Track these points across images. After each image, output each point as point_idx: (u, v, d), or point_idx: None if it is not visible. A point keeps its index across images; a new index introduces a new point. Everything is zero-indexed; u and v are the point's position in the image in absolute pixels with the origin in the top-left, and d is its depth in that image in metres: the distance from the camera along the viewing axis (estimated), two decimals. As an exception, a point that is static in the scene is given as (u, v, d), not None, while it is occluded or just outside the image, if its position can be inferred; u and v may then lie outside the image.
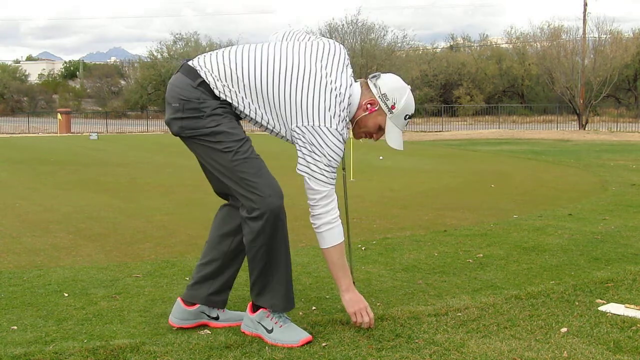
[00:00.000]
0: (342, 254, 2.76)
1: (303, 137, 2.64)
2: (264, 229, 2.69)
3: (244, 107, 2.71)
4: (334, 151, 2.65)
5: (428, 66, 44.10)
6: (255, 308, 2.85)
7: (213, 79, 2.69)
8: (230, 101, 2.71)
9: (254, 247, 2.74)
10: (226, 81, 2.69)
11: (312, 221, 2.74)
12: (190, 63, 2.76)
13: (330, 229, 2.71)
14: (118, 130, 33.25)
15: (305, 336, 2.73)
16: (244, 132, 2.79)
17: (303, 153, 2.66)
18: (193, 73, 2.71)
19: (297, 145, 2.68)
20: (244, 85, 2.69)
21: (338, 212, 2.74)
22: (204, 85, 2.69)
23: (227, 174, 2.72)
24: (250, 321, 2.83)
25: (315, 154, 2.64)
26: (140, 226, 5.64)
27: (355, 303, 2.82)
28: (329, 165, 2.66)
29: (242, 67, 2.70)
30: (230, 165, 2.70)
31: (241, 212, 2.75)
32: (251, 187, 2.68)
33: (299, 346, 2.68)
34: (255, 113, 2.72)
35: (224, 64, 2.71)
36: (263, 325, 2.78)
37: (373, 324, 2.84)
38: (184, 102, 2.69)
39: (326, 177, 2.68)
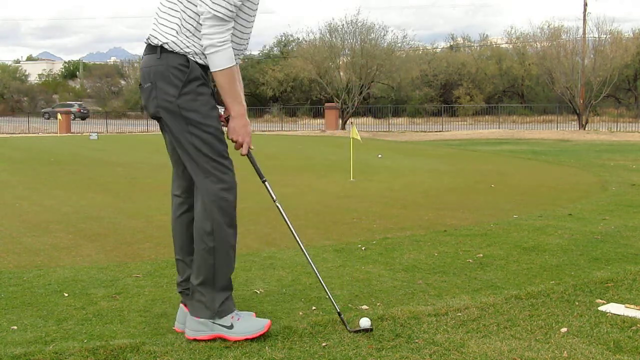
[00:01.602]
0: (233, 79, 2.70)
1: None
2: (220, 223, 2.73)
3: (189, 36, 2.68)
4: None
5: (428, 66, 44.10)
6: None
7: (162, 33, 2.70)
8: (185, 48, 2.67)
9: (207, 244, 2.74)
10: (165, 19, 2.70)
11: (201, 42, 2.66)
12: (146, 41, 2.79)
13: (216, 52, 2.63)
14: (118, 130, 33.28)
15: (266, 321, 2.78)
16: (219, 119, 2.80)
17: None
18: (150, 47, 2.75)
19: None
20: None
21: (228, 40, 2.66)
22: (165, 50, 2.68)
23: (194, 155, 2.72)
24: (201, 324, 2.75)
25: None
26: (140, 226, 5.64)
27: (238, 134, 2.78)
28: None
29: None
30: (196, 146, 2.70)
31: (198, 204, 2.75)
32: (214, 176, 2.72)
33: (265, 332, 2.73)
34: (193, 35, 2.68)
35: (158, 9, 2.76)
36: (220, 325, 2.75)
37: (244, 153, 2.83)
38: (156, 79, 2.69)
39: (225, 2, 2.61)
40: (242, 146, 2.81)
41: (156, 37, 2.72)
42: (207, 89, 2.75)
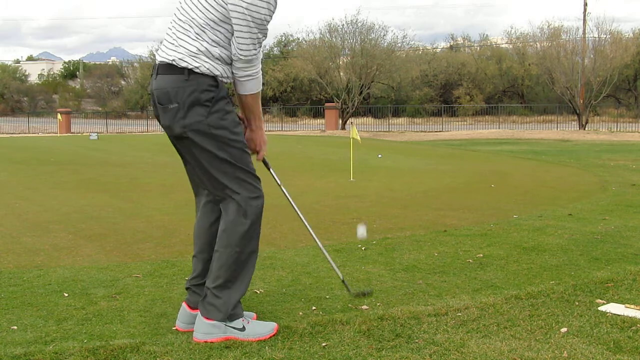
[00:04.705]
0: (258, 100, 2.93)
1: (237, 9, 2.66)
2: (253, 226, 2.82)
3: (218, 58, 2.73)
4: (263, 12, 2.68)
5: (428, 66, 44.07)
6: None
7: (193, 57, 2.71)
8: (212, 70, 2.72)
9: (234, 248, 2.79)
10: (187, 42, 2.71)
11: (235, 72, 2.81)
12: (162, 60, 2.76)
13: (250, 80, 2.82)
14: (118, 130, 33.29)
15: (273, 324, 2.86)
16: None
17: (239, 26, 2.68)
18: (170, 67, 2.73)
19: (234, 25, 2.69)
20: (198, 23, 2.70)
21: (260, 69, 2.86)
22: (193, 72, 2.70)
23: (226, 168, 2.78)
24: (214, 327, 2.79)
25: (248, 20, 2.67)
26: (140, 226, 5.64)
27: (256, 144, 3.01)
28: (258, 33, 2.72)
29: (181, 11, 2.76)
30: (225, 159, 2.77)
31: (229, 212, 2.81)
32: (249, 184, 2.82)
33: (274, 334, 2.79)
34: (222, 59, 2.75)
35: (173, 32, 2.76)
36: (233, 327, 2.79)
37: (259, 159, 3.06)
38: (185, 100, 2.70)
39: (253, 44, 2.73)
40: (258, 153, 3.04)
41: (184, 60, 2.71)
42: (232, 107, 2.83)
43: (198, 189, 3.01)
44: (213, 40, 2.72)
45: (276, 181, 3.13)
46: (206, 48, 2.71)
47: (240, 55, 2.73)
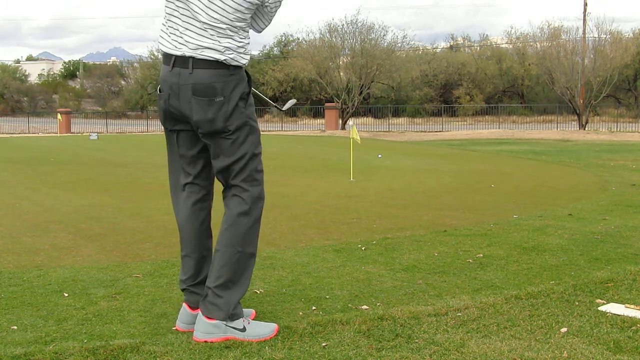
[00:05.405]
0: None
1: None
2: (255, 225, 2.86)
3: (246, 34, 2.84)
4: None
5: (428, 66, 44.05)
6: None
7: (241, 55, 2.78)
8: (244, 56, 2.80)
9: (237, 248, 2.81)
10: (229, 36, 2.75)
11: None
12: (206, 57, 2.73)
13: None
14: (118, 130, 33.29)
15: (274, 325, 2.86)
16: None
17: (271, 17, 2.91)
18: (216, 62, 2.74)
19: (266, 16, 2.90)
20: (238, 22, 2.77)
21: None
22: (236, 67, 2.77)
23: (250, 164, 2.83)
24: (214, 327, 2.78)
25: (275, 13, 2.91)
26: (140, 226, 5.64)
27: None
28: None
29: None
30: (255, 153, 2.85)
31: (233, 210, 2.84)
32: (258, 185, 2.87)
33: (274, 335, 2.78)
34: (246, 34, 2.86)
35: (211, 30, 2.74)
36: (234, 327, 2.79)
37: None
38: (230, 93, 2.75)
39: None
40: None
41: (235, 60, 2.75)
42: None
43: (178, 182, 2.98)
44: (248, 36, 2.84)
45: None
46: (248, 43, 2.82)
47: (262, 31, 2.94)
